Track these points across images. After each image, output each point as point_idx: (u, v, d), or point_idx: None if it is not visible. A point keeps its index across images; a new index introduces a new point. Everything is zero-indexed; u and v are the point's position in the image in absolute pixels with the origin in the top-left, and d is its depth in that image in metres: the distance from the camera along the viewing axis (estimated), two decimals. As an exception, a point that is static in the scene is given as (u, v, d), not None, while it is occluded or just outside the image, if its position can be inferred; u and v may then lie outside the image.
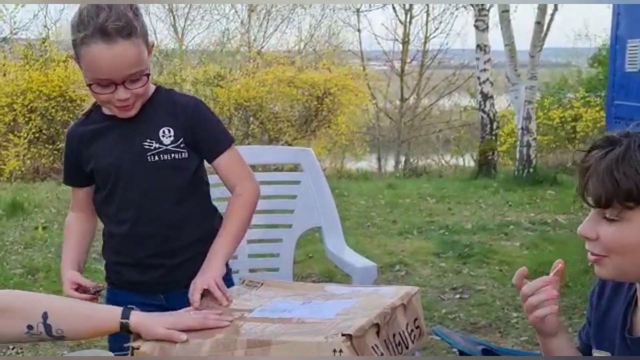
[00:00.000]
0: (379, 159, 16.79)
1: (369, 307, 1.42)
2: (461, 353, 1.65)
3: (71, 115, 11.08)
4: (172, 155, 1.75)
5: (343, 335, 1.28)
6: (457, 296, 4.26)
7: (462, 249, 5.25)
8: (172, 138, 1.75)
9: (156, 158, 1.74)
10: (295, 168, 2.81)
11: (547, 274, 4.78)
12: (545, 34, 8.61)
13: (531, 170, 8.64)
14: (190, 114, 1.77)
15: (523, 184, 8.29)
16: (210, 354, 1.35)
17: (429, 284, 4.53)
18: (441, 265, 4.92)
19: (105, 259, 1.95)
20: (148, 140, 1.74)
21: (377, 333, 1.35)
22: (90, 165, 1.80)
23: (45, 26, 13.57)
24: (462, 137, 16.48)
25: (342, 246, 2.64)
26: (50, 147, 11.15)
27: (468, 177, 9.92)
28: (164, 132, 1.75)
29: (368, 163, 16.41)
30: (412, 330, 1.47)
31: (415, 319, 1.50)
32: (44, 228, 5.93)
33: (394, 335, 1.41)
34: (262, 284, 1.69)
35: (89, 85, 1.66)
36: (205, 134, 1.78)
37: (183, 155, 1.76)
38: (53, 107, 11.04)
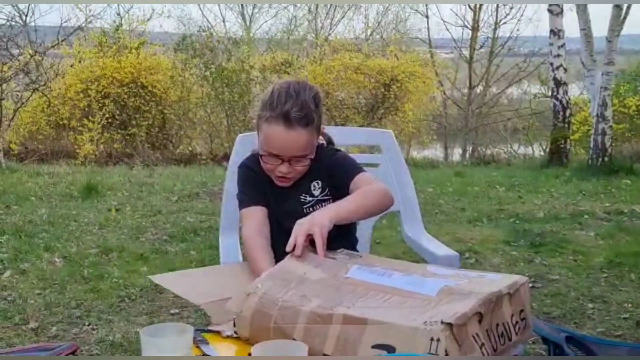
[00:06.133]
0: (445, 147, 16.57)
1: (473, 290, 1.35)
2: (544, 339, 1.60)
3: (142, 101, 11.34)
4: (323, 204, 1.92)
5: (443, 323, 1.22)
6: (530, 285, 4.15)
7: (534, 238, 5.13)
8: (320, 189, 1.95)
9: (311, 210, 1.92)
10: (370, 150, 2.76)
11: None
12: (624, 18, 8.27)
13: (606, 159, 8.36)
14: (329, 166, 1.95)
15: (597, 173, 8.03)
16: (307, 325, 1.34)
17: (499, 273, 4.43)
18: (512, 254, 4.82)
19: None
20: (303, 195, 1.94)
21: (479, 321, 1.28)
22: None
23: (118, 14, 13.91)
24: (532, 126, 16.07)
25: (421, 232, 2.54)
26: (123, 132, 11.44)
27: (538, 166, 9.69)
28: (314, 185, 1.95)
29: (434, 151, 16.21)
30: (516, 322, 1.39)
31: (521, 310, 1.41)
32: (117, 210, 6.08)
33: (497, 325, 1.33)
34: (362, 256, 1.66)
35: (261, 155, 1.89)
36: (337, 172, 1.93)
37: (330, 202, 1.91)
38: (125, 93, 11.31)
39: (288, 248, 1.58)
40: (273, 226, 1.98)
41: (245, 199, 1.98)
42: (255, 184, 1.99)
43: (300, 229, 1.61)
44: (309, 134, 1.86)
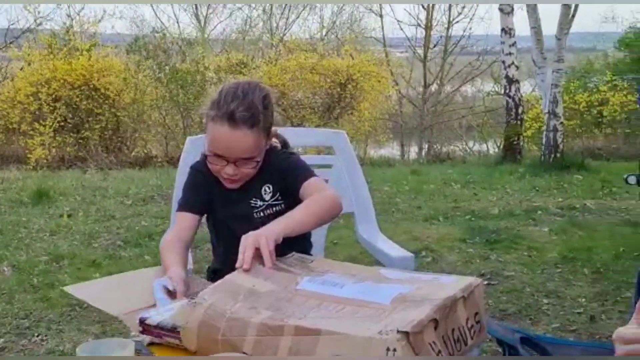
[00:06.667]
0: (402, 146, 16.67)
1: (427, 296, 1.32)
2: (499, 341, 1.59)
3: (95, 104, 11.12)
4: (274, 208, 1.89)
5: (399, 332, 1.18)
6: (485, 282, 4.18)
7: (489, 235, 5.17)
8: (271, 193, 1.90)
9: (261, 214, 1.89)
10: (326, 151, 2.73)
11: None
12: (573, 16, 8.42)
13: (558, 155, 8.49)
14: (281, 169, 1.90)
15: (550, 169, 8.16)
16: (257, 337, 1.29)
17: (455, 271, 4.46)
18: (468, 251, 4.85)
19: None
20: (254, 199, 1.90)
21: (435, 327, 1.26)
22: (212, 208, 1.95)
23: (68, 15, 13.59)
24: (485, 124, 16.28)
25: (376, 233, 2.52)
26: (75, 135, 11.19)
27: (493, 163, 9.80)
28: (265, 189, 1.90)
29: (390, 150, 16.29)
30: (472, 326, 1.37)
31: (476, 313, 1.39)
32: (69, 216, 5.95)
33: (452, 330, 1.31)
34: (312, 261, 1.62)
35: (206, 155, 1.84)
36: (289, 176, 1.89)
37: (282, 207, 1.88)
38: (77, 96, 11.08)
39: (237, 265, 1.52)
40: (223, 232, 1.94)
41: (181, 203, 1.95)
42: (198, 188, 1.94)
43: (246, 243, 1.55)
44: (255, 135, 1.80)
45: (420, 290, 1.36)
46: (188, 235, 1.88)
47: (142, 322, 1.43)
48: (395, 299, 1.32)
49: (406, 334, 1.18)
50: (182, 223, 1.90)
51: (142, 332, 1.43)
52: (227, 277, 1.50)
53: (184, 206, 1.93)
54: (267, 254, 1.53)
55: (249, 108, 1.78)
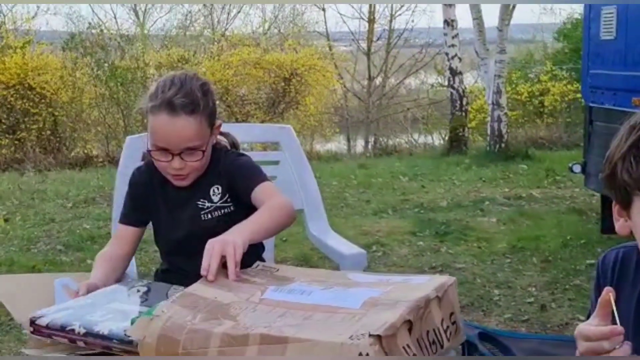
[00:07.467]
0: (348, 140, 16.67)
1: (399, 298, 1.26)
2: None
3: (31, 104, 10.77)
4: (222, 210, 1.81)
5: (371, 335, 1.12)
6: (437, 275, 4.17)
7: (439, 227, 5.17)
8: (220, 195, 1.81)
9: (209, 216, 1.81)
10: (273, 147, 2.64)
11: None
12: (513, 7, 8.52)
13: (502, 145, 8.59)
14: (231, 171, 1.82)
15: (495, 159, 8.24)
16: (220, 348, 1.21)
17: (407, 264, 4.44)
18: (418, 244, 4.83)
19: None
20: (201, 200, 1.81)
21: (409, 330, 1.19)
22: (152, 221, 1.89)
23: (0, 12, 13.12)
24: (430, 116, 16.41)
25: (327, 230, 2.46)
26: (11, 136, 10.82)
27: (439, 155, 9.86)
28: (213, 190, 1.81)
29: (337, 144, 16.28)
30: (447, 327, 1.31)
31: (452, 314, 1.34)
32: (5, 220, 5.72)
33: (427, 332, 1.26)
34: (278, 269, 1.55)
35: (150, 151, 1.76)
36: (239, 179, 1.81)
37: (231, 209, 1.81)
38: (12, 96, 10.71)
39: (203, 272, 1.45)
40: (168, 234, 1.85)
41: (122, 214, 1.89)
42: (140, 197, 1.86)
43: (213, 251, 1.47)
44: (197, 122, 1.72)
45: (392, 292, 1.31)
46: (125, 250, 1.85)
47: (32, 322, 1.40)
48: (365, 303, 1.27)
49: (378, 337, 1.12)
50: (121, 237, 1.87)
51: (32, 333, 1.40)
52: (188, 289, 1.42)
53: (122, 218, 1.90)
54: (233, 266, 1.46)
55: (187, 94, 1.71)
